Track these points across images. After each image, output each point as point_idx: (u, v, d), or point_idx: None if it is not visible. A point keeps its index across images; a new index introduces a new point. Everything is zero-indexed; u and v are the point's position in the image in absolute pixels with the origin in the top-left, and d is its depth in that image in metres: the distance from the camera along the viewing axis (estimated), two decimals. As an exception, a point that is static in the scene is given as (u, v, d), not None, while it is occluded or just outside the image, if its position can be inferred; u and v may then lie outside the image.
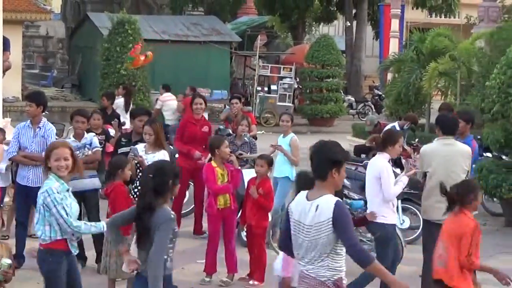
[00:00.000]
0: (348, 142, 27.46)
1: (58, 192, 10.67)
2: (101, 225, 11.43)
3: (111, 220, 10.78)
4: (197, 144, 17.68)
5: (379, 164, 14.27)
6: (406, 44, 31.60)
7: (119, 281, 14.45)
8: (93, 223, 11.90)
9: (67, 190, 10.95)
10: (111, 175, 14.39)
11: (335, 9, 50.47)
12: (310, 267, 9.74)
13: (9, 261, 10.13)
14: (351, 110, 41.67)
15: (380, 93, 37.84)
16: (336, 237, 9.59)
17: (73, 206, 11.28)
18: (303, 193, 10.05)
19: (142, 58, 27.40)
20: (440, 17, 48.60)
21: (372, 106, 39.81)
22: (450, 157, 15.00)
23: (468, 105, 23.55)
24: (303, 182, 11.37)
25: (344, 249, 9.55)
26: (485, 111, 20.27)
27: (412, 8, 42.39)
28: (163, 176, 9.79)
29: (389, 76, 31.41)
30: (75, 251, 11.37)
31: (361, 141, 26.27)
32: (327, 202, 9.50)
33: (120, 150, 16.25)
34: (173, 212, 10.93)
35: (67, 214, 10.93)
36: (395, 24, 32.39)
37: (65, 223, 10.97)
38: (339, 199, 9.73)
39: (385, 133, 15.89)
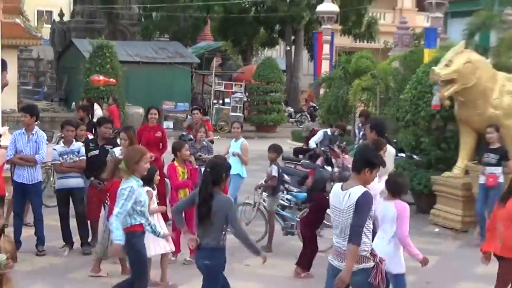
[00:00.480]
0: (288, 145, 27.68)
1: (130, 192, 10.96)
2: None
3: (175, 206, 11.42)
4: (152, 147, 17.32)
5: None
6: (335, 64, 31.90)
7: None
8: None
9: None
10: (112, 174, 14.18)
11: (277, 36, 50.32)
12: (344, 243, 10.21)
13: (4, 256, 9.35)
14: (290, 119, 41.54)
15: (314, 105, 38.04)
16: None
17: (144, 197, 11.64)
18: (338, 185, 10.62)
19: (101, 78, 26.00)
20: (363, 42, 48.83)
21: (308, 116, 39.82)
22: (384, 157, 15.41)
23: (385, 114, 23.49)
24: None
25: (370, 227, 10.25)
26: (400, 119, 20.60)
27: (341, 35, 42.51)
28: (218, 170, 10.33)
29: (322, 91, 31.37)
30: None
31: (299, 144, 26.26)
32: (358, 191, 10.04)
33: (90, 154, 16.06)
34: (228, 195, 12.16)
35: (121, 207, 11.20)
36: (326, 48, 32.55)
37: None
38: (368, 190, 10.20)
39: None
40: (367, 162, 10.45)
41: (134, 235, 11.55)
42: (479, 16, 24.13)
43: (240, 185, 18.47)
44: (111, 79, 33.25)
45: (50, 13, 56.53)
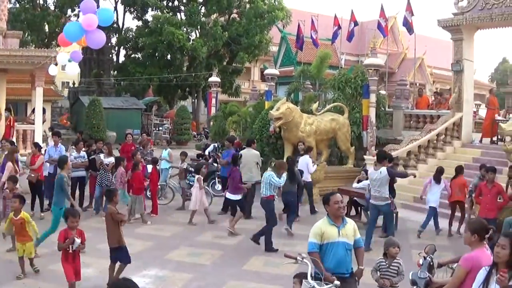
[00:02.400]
0: (194, 152, 26.37)
1: None
2: None
3: None
4: (129, 154, 16.54)
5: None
6: (219, 109, 31.81)
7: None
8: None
9: None
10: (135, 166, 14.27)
11: (187, 94, 49.91)
12: (379, 192, 11.69)
13: (79, 240, 7.96)
14: (194, 138, 41.21)
15: (207, 130, 37.77)
16: (387, 181, 11.77)
17: None
18: (372, 168, 12.51)
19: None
20: (234, 97, 48.48)
21: (204, 136, 39.42)
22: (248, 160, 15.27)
23: (245, 135, 22.94)
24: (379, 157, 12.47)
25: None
26: (251, 139, 20.21)
27: (221, 93, 42.44)
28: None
29: (211, 122, 30.64)
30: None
31: (199, 151, 24.83)
32: (384, 169, 11.69)
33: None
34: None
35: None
36: (213, 101, 31.93)
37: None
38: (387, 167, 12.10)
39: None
40: (383, 156, 12.32)
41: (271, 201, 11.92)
42: (293, 84, 24.59)
43: (168, 174, 17.95)
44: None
45: (68, 82, 55.04)
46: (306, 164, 15.61)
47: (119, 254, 8.68)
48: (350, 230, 6.41)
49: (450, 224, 13.57)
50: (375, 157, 13.53)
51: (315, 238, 6.32)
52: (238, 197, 13.35)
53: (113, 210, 8.68)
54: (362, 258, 6.58)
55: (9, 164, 13.16)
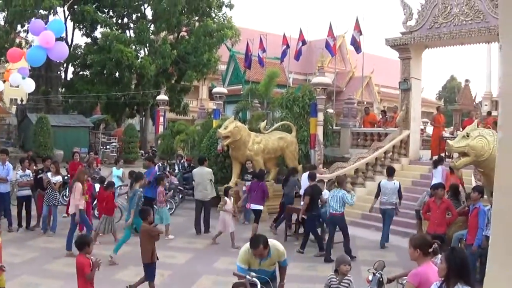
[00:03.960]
0: (140, 169, 26.66)
1: None
2: None
3: None
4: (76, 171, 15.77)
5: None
6: (167, 128, 31.50)
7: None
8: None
9: None
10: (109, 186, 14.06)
11: (135, 112, 49.65)
12: (391, 199, 13.71)
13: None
14: (142, 156, 40.67)
15: (155, 149, 37.50)
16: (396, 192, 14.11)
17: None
18: (385, 180, 14.46)
19: None
20: (182, 116, 48.42)
21: (152, 155, 39.23)
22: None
23: (193, 154, 23.20)
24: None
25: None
26: (203, 157, 20.30)
27: (169, 112, 42.17)
28: None
29: (159, 141, 30.77)
30: None
31: (143, 170, 25.13)
32: (397, 182, 13.87)
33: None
34: None
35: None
36: (161, 119, 31.79)
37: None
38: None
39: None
40: (393, 171, 14.59)
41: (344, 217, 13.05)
42: (241, 103, 24.50)
43: (117, 194, 17.17)
44: None
45: (16, 99, 53.84)
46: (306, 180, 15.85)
47: (148, 269, 9.14)
48: (273, 261, 6.81)
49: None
50: (386, 172, 15.11)
51: (242, 263, 6.73)
52: (261, 207, 14.55)
53: (148, 228, 9.09)
54: (284, 275, 7.21)
55: None
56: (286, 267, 7.19)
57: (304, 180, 15.51)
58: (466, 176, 15.89)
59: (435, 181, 14.37)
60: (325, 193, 14.05)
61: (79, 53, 46.43)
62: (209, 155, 19.93)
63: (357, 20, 26.76)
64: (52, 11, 39.65)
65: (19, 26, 42.79)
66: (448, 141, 12.87)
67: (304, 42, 30.95)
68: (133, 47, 43.27)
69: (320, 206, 13.72)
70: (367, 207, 15.37)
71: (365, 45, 27.23)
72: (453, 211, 11.70)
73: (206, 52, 43.65)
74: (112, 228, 13.70)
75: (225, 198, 14.33)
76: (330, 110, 25.87)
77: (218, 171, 19.56)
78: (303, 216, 13.56)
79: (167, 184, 18.51)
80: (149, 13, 46.22)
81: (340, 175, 15.33)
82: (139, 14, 46.49)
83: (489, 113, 23.98)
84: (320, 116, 20.27)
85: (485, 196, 11.40)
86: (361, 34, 26.87)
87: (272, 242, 6.78)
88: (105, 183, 14.58)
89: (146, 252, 9.08)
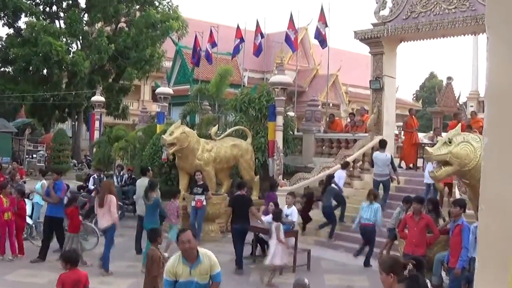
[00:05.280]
0: (74, 184, 25.03)
1: None
2: None
3: None
4: None
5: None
6: (103, 133, 30.99)
7: None
8: None
9: None
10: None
11: (67, 115, 48.86)
12: (384, 171, 15.92)
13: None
14: (74, 167, 39.98)
15: (89, 158, 37.05)
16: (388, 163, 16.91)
17: None
18: (377, 152, 17.38)
19: None
20: (120, 120, 47.73)
21: (86, 165, 38.74)
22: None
23: (134, 164, 23.12)
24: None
25: None
26: (145, 167, 20.01)
27: (106, 115, 41.30)
28: None
29: (94, 149, 30.32)
30: None
31: (80, 183, 24.31)
32: (389, 154, 15.79)
33: None
34: None
35: None
36: (97, 123, 31.53)
37: None
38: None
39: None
40: (385, 143, 17.42)
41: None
42: (189, 105, 24.41)
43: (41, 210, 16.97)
44: None
45: None
46: (339, 178, 17.60)
47: None
48: (204, 269, 6.79)
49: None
50: (379, 144, 17.86)
51: (167, 276, 6.81)
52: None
53: (156, 254, 8.73)
54: None
55: None
56: (218, 284, 7.06)
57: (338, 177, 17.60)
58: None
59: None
60: (284, 210, 13.98)
61: (0, 46, 45.42)
62: (152, 165, 19.79)
63: (322, 9, 26.65)
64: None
65: None
66: (427, 148, 12.70)
67: (261, 36, 30.86)
68: (64, 39, 42.56)
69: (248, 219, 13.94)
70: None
71: (331, 38, 27.24)
72: (434, 229, 11.56)
73: (148, 47, 43.35)
74: (80, 247, 13.48)
75: (275, 223, 12.82)
76: (291, 113, 25.89)
77: (163, 184, 19.35)
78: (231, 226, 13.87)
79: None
80: (82, 0, 45.63)
81: (372, 189, 15.97)
82: (70, 2, 45.73)
83: (472, 113, 23.92)
84: (280, 120, 20.24)
85: (469, 211, 11.36)
86: (326, 26, 26.89)
87: (203, 249, 6.95)
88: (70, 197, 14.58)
89: (149, 282, 8.84)
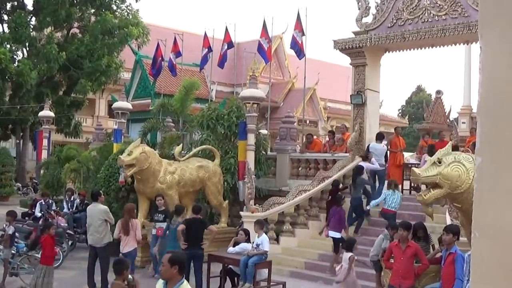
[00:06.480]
0: (18, 210, 24.41)
1: None
2: None
3: None
4: None
5: None
6: (52, 153, 30.91)
7: None
8: None
9: None
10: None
11: (10, 132, 48.38)
12: (379, 158, 18.38)
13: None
14: (19, 191, 39.84)
15: (36, 181, 36.74)
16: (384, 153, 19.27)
17: None
18: (374, 143, 19.69)
19: None
20: (72, 138, 47.64)
21: (32, 189, 38.47)
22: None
23: (87, 187, 22.86)
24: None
25: None
26: (97, 191, 19.87)
27: (55, 133, 41.08)
28: None
29: (42, 171, 30.03)
30: None
31: (26, 210, 24.31)
32: (384, 145, 18.32)
33: None
34: None
35: None
36: (45, 142, 31.01)
37: None
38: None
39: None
40: (382, 136, 19.89)
41: None
42: (150, 122, 24.31)
43: None
44: None
45: None
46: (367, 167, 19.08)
47: None
48: None
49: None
50: (375, 137, 19.94)
51: None
52: (338, 235, 16.20)
53: (122, 286, 8.64)
54: None
55: None
56: None
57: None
58: (439, 213, 15.98)
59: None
60: (245, 246, 14.22)
61: None
62: (108, 189, 19.72)
63: (298, 16, 26.76)
64: None
65: None
66: (414, 168, 12.76)
67: (230, 45, 30.99)
68: (8, 46, 42.37)
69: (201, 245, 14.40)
70: (312, 254, 15.33)
71: (308, 48, 27.37)
72: (423, 258, 11.61)
73: (104, 56, 43.23)
74: (49, 282, 13.33)
75: (348, 254, 13.03)
76: (264, 131, 25.97)
77: (120, 210, 19.19)
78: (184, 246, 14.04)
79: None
80: (29, 2, 45.50)
81: (392, 179, 17.75)
82: (15, 3, 45.57)
83: (473, 130, 24.11)
84: (251, 138, 20.31)
85: (462, 238, 11.43)
86: (303, 34, 27.07)
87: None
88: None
89: None
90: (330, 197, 18.79)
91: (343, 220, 16.68)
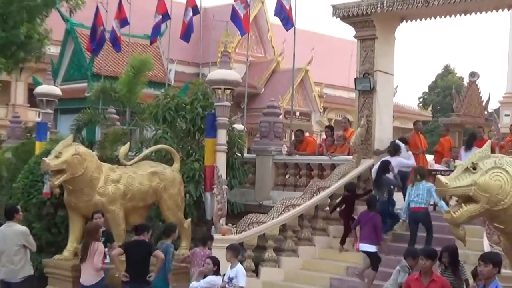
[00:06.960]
0: None
1: None
2: None
3: None
4: None
5: None
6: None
7: None
8: None
9: None
10: None
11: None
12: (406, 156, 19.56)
13: None
14: None
15: None
16: None
17: None
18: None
19: None
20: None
21: None
22: None
23: (0, 200, 22.79)
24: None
25: None
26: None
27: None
28: None
29: None
30: None
31: None
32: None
33: None
34: None
35: None
36: None
37: None
38: None
39: None
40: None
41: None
42: (86, 113, 24.27)
43: None
44: None
45: None
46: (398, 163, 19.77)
47: None
48: None
49: None
50: (392, 149, 19.92)
51: None
52: (373, 248, 16.36)
53: None
54: None
55: None
56: None
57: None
58: (474, 237, 15.83)
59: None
60: (213, 280, 14.28)
61: None
62: (27, 203, 19.69)
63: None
64: None
65: None
66: (439, 176, 12.59)
67: (195, 10, 30.90)
68: None
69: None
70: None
71: (299, 16, 27.04)
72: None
73: (23, 23, 42.86)
74: None
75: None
76: (239, 126, 26.03)
77: (44, 232, 19.38)
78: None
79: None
80: None
81: (421, 167, 19.23)
82: None
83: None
84: (222, 136, 20.39)
85: (505, 270, 11.42)
86: (292, -3, 27.19)
87: None
88: None
89: None
90: (344, 205, 19.24)
91: (379, 228, 16.87)
